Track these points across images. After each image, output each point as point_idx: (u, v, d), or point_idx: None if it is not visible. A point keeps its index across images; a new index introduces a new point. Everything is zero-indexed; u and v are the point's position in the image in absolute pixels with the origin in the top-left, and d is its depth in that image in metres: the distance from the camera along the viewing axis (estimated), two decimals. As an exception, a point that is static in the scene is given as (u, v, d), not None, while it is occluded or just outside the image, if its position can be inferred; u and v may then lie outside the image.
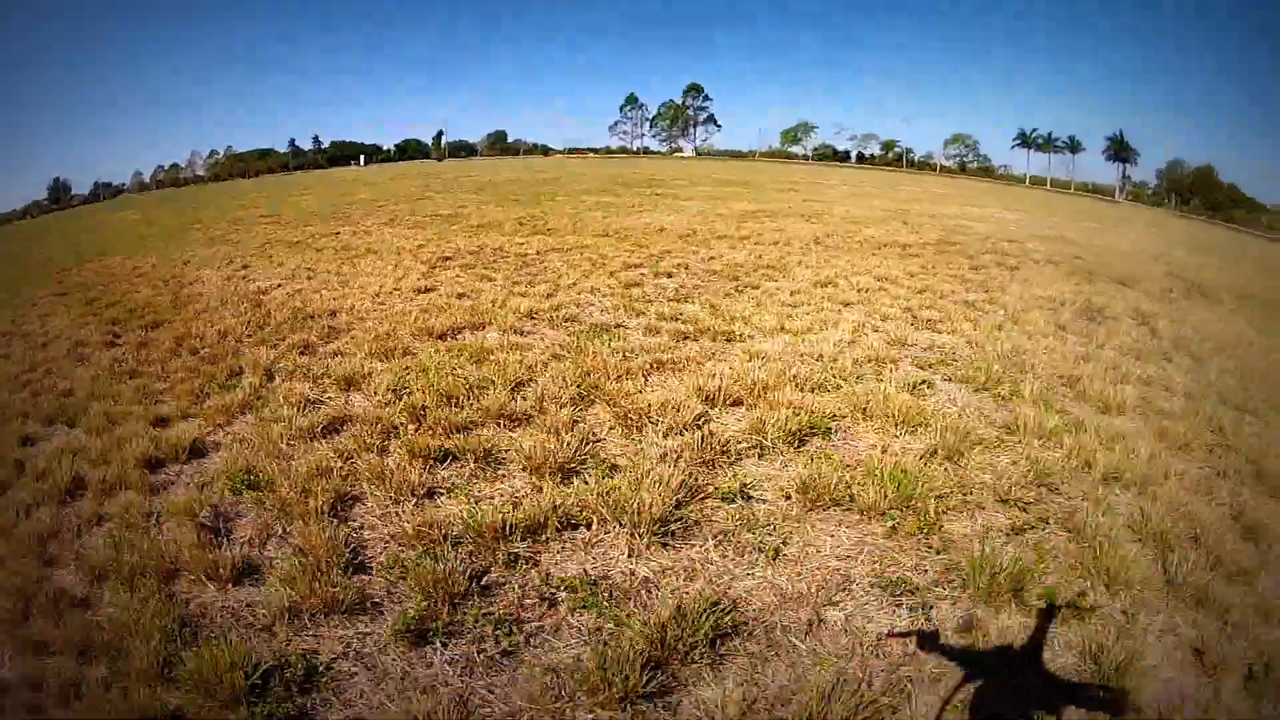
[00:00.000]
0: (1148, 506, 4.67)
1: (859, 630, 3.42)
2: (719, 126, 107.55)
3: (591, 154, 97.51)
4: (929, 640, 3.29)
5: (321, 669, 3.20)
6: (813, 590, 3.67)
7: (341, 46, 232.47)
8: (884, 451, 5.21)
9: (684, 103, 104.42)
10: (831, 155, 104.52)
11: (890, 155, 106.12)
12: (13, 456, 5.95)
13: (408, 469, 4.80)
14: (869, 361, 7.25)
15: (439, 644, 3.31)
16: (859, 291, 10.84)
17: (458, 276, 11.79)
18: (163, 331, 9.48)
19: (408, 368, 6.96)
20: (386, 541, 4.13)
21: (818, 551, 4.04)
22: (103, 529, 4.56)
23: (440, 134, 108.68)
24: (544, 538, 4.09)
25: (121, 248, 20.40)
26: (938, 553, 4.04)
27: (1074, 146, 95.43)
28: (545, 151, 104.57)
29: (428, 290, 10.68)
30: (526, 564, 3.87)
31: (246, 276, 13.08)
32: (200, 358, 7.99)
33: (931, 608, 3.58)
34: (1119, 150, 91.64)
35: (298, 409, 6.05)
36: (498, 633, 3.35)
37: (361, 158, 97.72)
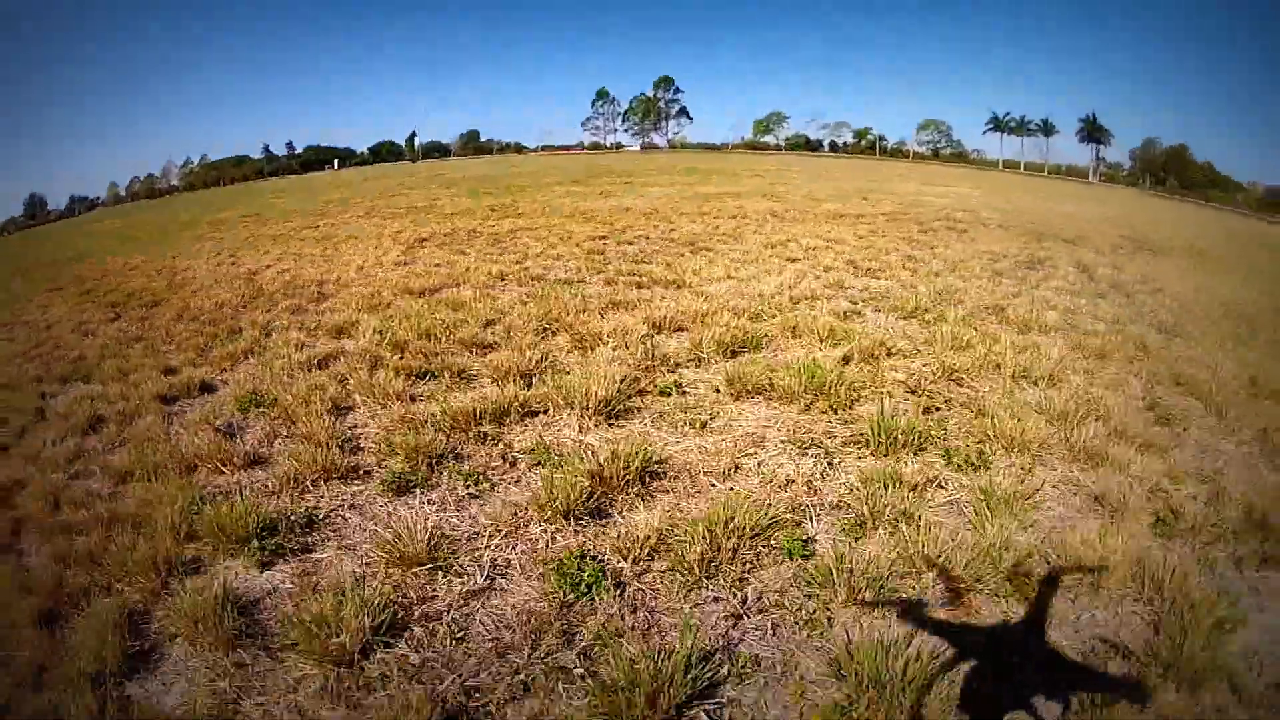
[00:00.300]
0: (1053, 394, 5.43)
1: (770, 474, 4.21)
2: (691, 119, 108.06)
3: (563, 150, 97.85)
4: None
5: (321, 517, 3.96)
6: (732, 448, 4.47)
7: (313, 50, 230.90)
8: (807, 357, 6.02)
9: (655, 95, 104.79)
10: (804, 144, 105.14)
11: (863, 143, 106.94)
12: (33, 406, 6.62)
13: (393, 383, 5.58)
14: (805, 299, 8.07)
15: (418, 493, 4.10)
16: (806, 250, 11.70)
17: (434, 253, 12.53)
18: (161, 308, 10.14)
19: (391, 316, 7.73)
20: (376, 431, 4.90)
21: (739, 424, 4.85)
22: (125, 448, 5.26)
23: (413, 135, 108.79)
24: (508, 421, 4.89)
25: (110, 250, 20.90)
26: (845, 424, 4.84)
27: (1047, 129, 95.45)
28: (519, 149, 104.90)
29: (407, 263, 11.43)
30: (493, 440, 4.66)
31: (235, 262, 13.73)
32: (200, 323, 8.68)
33: (834, 458, 4.39)
34: (1092, 131, 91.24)
35: (295, 349, 6.81)
36: (467, 483, 4.14)
37: (335, 162, 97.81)
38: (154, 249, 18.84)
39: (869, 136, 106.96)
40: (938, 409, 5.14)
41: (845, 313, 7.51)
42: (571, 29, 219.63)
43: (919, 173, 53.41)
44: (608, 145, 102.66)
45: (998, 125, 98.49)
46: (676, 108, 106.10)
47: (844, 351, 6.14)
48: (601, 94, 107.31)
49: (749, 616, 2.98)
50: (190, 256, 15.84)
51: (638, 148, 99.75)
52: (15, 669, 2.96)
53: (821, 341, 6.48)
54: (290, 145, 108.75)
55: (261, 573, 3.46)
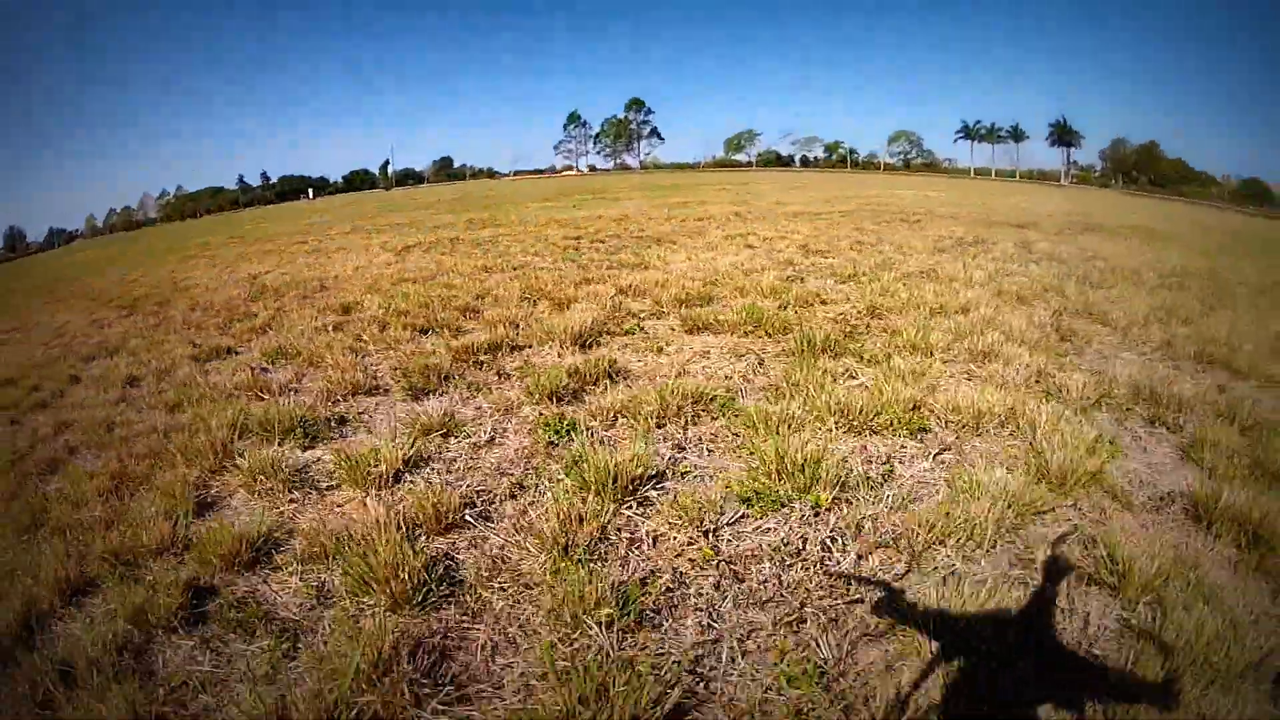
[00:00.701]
0: (962, 319, 6.54)
1: (712, 372, 5.27)
2: (662, 139, 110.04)
3: (536, 174, 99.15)
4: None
5: (351, 417, 4.93)
6: (682, 361, 5.52)
7: (287, 80, 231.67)
8: (750, 304, 7.09)
9: (626, 118, 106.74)
10: (775, 160, 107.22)
11: (835, 157, 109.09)
12: (66, 375, 7.47)
13: (401, 335, 6.59)
14: (755, 271, 9.17)
15: (431, 397, 5.10)
16: (764, 240, 12.85)
17: (422, 256, 13.52)
18: (172, 306, 11.01)
19: (391, 295, 8.73)
20: (390, 367, 5.88)
21: (689, 347, 5.90)
22: (167, 390, 6.18)
23: (386, 163, 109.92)
24: (500, 354, 5.92)
25: (102, 271, 21.63)
26: (777, 343, 5.91)
27: (1017, 135, 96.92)
28: (491, 174, 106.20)
29: (398, 263, 12.43)
30: (488, 366, 5.68)
31: (234, 271, 14.63)
32: (214, 313, 9.60)
33: (764, 361, 5.45)
34: (1062, 135, 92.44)
35: (309, 321, 7.78)
36: (470, 389, 5.15)
37: (310, 191, 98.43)
38: (148, 267, 19.64)
39: (840, 150, 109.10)
40: (859, 333, 6.23)
41: (789, 278, 8.61)
42: (542, 54, 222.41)
43: (887, 181, 55.12)
44: (580, 168, 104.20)
45: (968, 133, 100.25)
46: (648, 129, 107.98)
47: (782, 300, 7.23)
48: (573, 118, 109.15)
49: (689, 447, 4.01)
50: (187, 270, 16.69)
51: (610, 169, 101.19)
52: (86, 522, 3.83)
53: (764, 296, 7.56)
54: (265, 175, 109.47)
55: (305, 451, 4.42)
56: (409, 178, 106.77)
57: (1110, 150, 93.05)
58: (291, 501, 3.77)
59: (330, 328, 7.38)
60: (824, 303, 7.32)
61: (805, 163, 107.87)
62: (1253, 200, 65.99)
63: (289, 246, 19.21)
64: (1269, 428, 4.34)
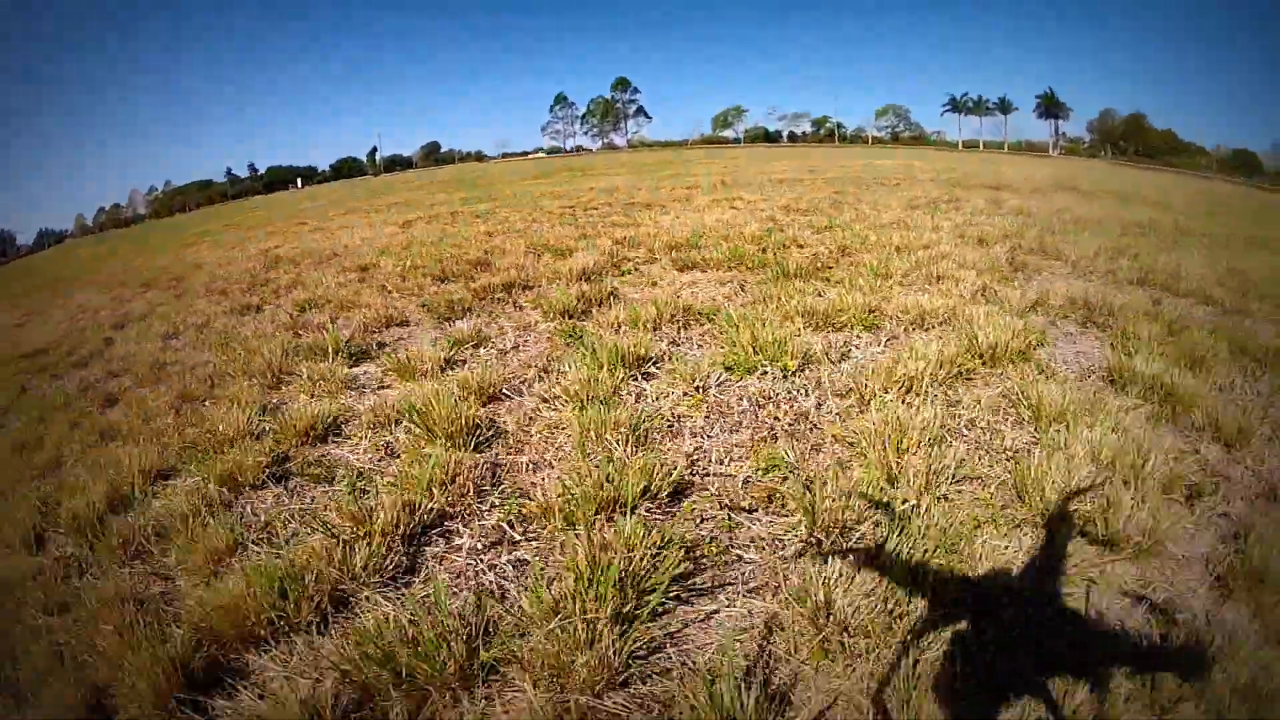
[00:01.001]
0: (922, 254, 7.29)
1: (700, 295, 6.00)
2: (649, 118, 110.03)
3: (523, 156, 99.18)
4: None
5: (389, 343, 5.67)
6: (673, 290, 6.26)
7: (270, 71, 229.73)
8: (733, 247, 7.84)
9: (613, 97, 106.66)
10: (763, 136, 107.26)
11: (823, 131, 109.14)
12: (99, 339, 8.14)
13: (421, 281, 7.32)
14: (738, 225, 9.90)
15: (457, 321, 5.84)
16: (748, 203, 13.55)
17: (426, 226, 14.17)
18: (190, 280, 11.69)
19: (404, 256, 9.42)
20: (416, 307, 6.61)
21: (680, 280, 6.64)
22: (208, 340, 6.87)
23: (374, 150, 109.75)
24: (513, 291, 6.65)
25: (105, 264, 22.18)
26: (755, 275, 6.65)
27: (1005, 107, 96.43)
28: (479, 158, 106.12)
29: (404, 234, 13.09)
30: (504, 300, 6.41)
31: (242, 249, 15.28)
32: (234, 282, 10.28)
33: (745, 287, 6.19)
34: (1049, 107, 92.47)
35: (331, 279, 8.48)
36: (490, 317, 5.89)
37: (299, 180, 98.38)
38: (150, 255, 20.22)
39: (828, 125, 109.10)
40: (829, 266, 6.97)
41: (769, 230, 9.34)
42: (527, 35, 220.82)
43: (874, 154, 55.72)
44: (568, 149, 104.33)
45: (955, 106, 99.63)
46: (634, 107, 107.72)
47: (762, 245, 7.98)
48: (560, 99, 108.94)
49: (681, 342, 4.78)
50: (193, 253, 17.30)
51: (597, 149, 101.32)
52: (158, 428, 4.54)
53: (746, 243, 8.29)
54: (253, 167, 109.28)
55: (352, 367, 5.15)
56: (397, 164, 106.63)
57: (1098, 121, 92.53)
58: (350, 396, 4.51)
59: (354, 282, 8.08)
60: (800, 247, 8.05)
61: (793, 138, 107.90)
62: (1242, 171, 65.94)
63: (290, 228, 19.78)
64: (1195, 326, 5.11)
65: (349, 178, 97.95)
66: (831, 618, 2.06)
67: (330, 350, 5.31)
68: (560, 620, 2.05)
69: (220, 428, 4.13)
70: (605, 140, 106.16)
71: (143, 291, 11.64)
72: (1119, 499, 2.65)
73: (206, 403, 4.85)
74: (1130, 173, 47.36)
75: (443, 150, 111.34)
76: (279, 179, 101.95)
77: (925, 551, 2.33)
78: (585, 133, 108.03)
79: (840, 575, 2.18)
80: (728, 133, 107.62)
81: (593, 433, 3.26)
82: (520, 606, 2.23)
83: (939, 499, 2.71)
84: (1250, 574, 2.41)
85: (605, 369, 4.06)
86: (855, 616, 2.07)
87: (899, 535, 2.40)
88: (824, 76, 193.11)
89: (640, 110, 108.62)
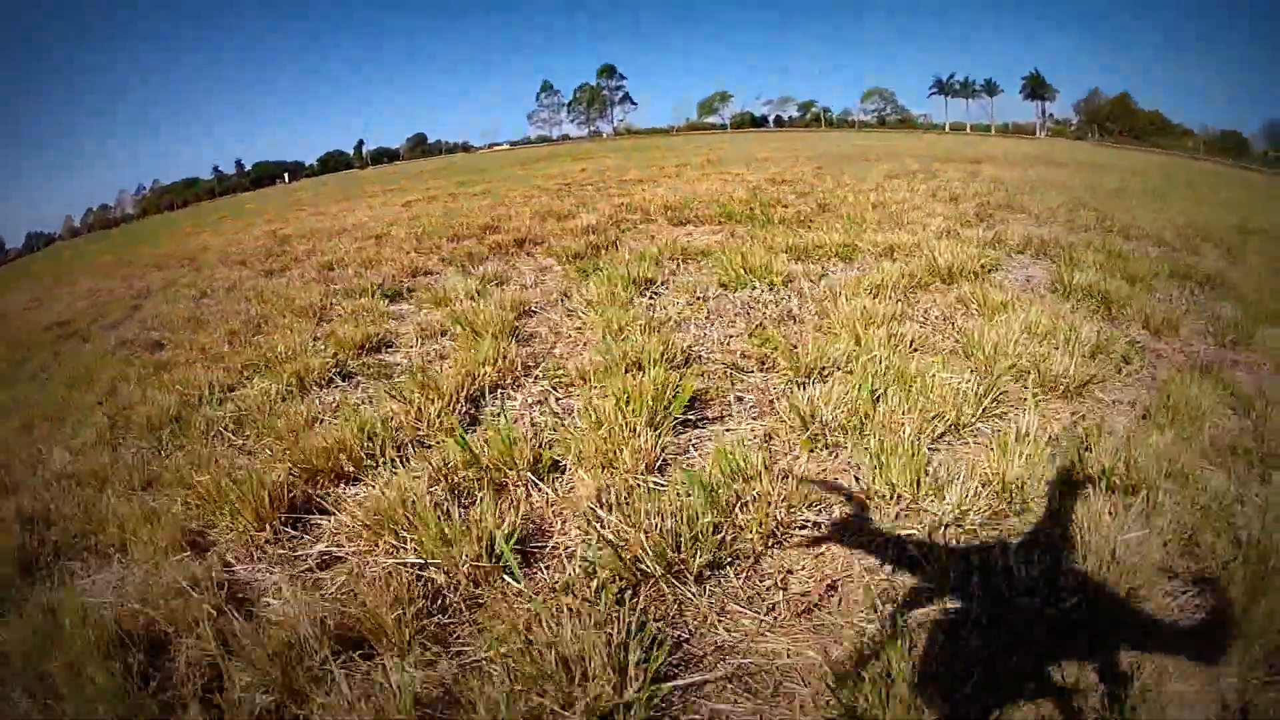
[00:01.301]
0: (895, 209, 7.95)
1: (694, 241, 6.65)
2: (635, 104, 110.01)
3: (511, 145, 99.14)
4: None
5: (418, 288, 6.26)
6: (672, 238, 6.89)
7: (253, 66, 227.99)
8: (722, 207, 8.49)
9: (599, 85, 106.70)
10: (750, 122, 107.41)
11: (809, 116, 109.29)
12: (126, 306, 8.66)
13: (437, 241, 7.93)
14: (726, 193, 10.55)
15: (477, 267, 6.46)
16: (735, 175, 14.21)
17: (428, 205, 14.73)
18: (202, 259, 12.19)
19: (414, 226, 10.02)
20: (436, 261, 7.22)
21: (675, 233, 7.28)
22: (242, 296, 7.45)
23: (361, 143, 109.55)
24: (524, 245, 7.28)
25: (103, 257, 22.55)
26: (743, 226, 7.29)
27: (991, 89, 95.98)
28: (466, 148, 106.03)
29: (407, 211, 13.66)
30: (518, 253, 7.04)
31: (247, 233, 15.78)
32: (250, 255, 10.81)
33: (735, 236, 6.84)
34: (1035, 88, 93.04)
35: (347, 246, 9.07)
36: (506, 262, 6.52)
37: (286, 175, 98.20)
38: (151, 246, 20.63)
39: (814, 109, 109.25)
40: (810, 220, 7.63)
41: (755, 194, 9.99)
42: (511, 23, 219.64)
43: (860, 137, 56.45)
44: (555, 137, 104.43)
45: (942, 88, 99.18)
46: (620, 94, 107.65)
47: (750, 205, 8.63)
48: (545, 87, 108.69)
49: (680, 272, 5.42)
50: (196, 240, 17.75)
51: (585, 136, 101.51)
52: (215, 355, 5.12)
53: (735, 204, 8.94)
54: (239, 163, 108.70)
55: (389, 305, 5.77)
56: (384, 156, 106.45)
57: (1085, 102, 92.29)
58: (393, 323, 5.13)
59: (371, 247, 8.68)
60: (784, 206, 8.73)
61: (779, 123, 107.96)
62: (1229, 153, 65.95)
63: (289, 215, 20.18)
64: (1142, 257, 5.79)
65: (336, 171, 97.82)
66: (817, 421, 2.71)
67: (368, 290, 5.92)
68: (605, 430, 2.69)
69: (279, 349, 4.72)
70: (592, 128, 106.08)
71: (155, 270, 12.12)
72: (1051, 355, 3.31)
73: (257, 336, 5.44)
74: (1113, 153, 47.85)
75: (429, 142, 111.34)
76: (266, 174, 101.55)
77: (887, 381, 2.99)
78: (572, 120, 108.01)
79: (820, 394, 2.84)
80: (714, 119, 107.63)
81: (614, 324, 3.90)
82: (574, 424, 2.87)
83: (898, 354, 3.37)
84: (1172, 409, 2.98)
85: (620, 285, 4.70)
86: (835, 419, 2.72)
87: (866, 374, 3.06)
88: (808, 60, 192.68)
89: (626, 97, 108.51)
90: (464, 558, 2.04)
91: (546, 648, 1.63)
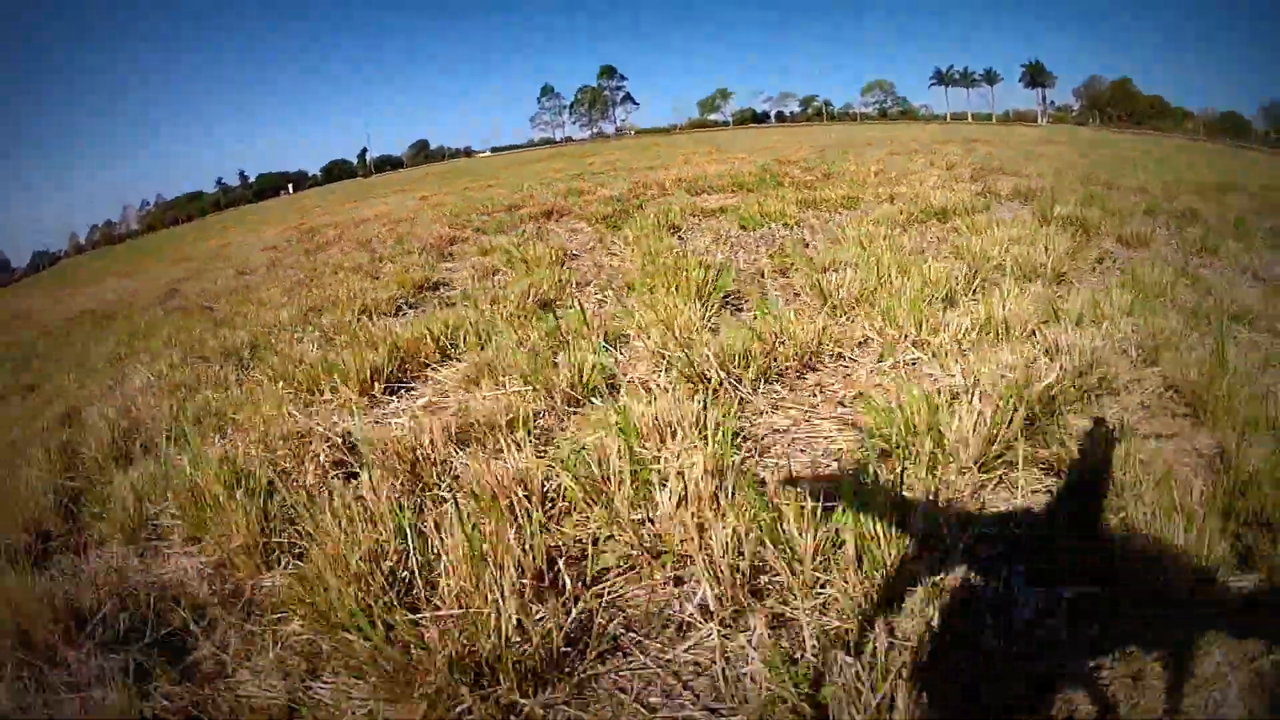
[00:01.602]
0: (895, 173, 8.51)
1: (712, 202, 7.19)
2: (637, 104, 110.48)
3: (513, 149, 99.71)
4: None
5: (454, 252, 6.82)
6: (689, 203, 7.44)
7: (255, 77, 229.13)
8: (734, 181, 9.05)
9: (599, 86, 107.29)
10: (751, 118, 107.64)
11: (810, 111, 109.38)
12: (163, 289, 9.24)
13: (467, 218, 8.50)
14: (737, 170, 11.12)
15: (510, 232, 7.02)
16: (741, 158, 14.81)
17: (442, 199, 15.31)
18: (227, 252, 12.82)
19: (439, 213, 10.59)
20: (472, 230, 7.77)
21: (694, 200, 7.83)
22: (285, 266, 8.01)
23: (364, 150, 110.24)
24: (552, 215, 7.83)
25: (117, 267, 23.16)
26: (757, 194, 7.83)
27: (991, 78, 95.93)
28: (469, 153, 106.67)
29: (423, 204, 14.24)
30: (546, 221, 7.59)
31: (264, 233, 16.40)
32: (280, 243, 11.40)
33: (745, 198, 7.38)
34: (1035, 76, 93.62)
35: (376, 230, 9.65)
36: (538, 227, 7.07)
37: (290, 186, 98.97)
38: (168, 252, 21.27)
39: (814, 104, 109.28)
40: (817, 185, 8.19)
41: (763, 170, 10.57)
42: (510, 28, 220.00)
43: (862, 128, 57.08)
44: (558, 139, 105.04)
45: (942, 79, 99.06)
46: (621, 94, 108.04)
47: (759, 177, 9.20)
48: (546, 90, 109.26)
49: (699, 225, 5.96)
50: (217, 241, 18.41)
51: (587, 138, 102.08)
52: (277, 303, 5.72)
53: (745, 178, 9.51)
54: (243, 175, 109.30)
55: (440, 262, 6.31)
56: (387, 163, 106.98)
57: (1085, 88, 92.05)
58: (444, 271, 5.67)
59: (401, 225, 9.26)
60: (792, 177, 9.29)
61: (781, 118, 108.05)
62: (1229, 134, 65.94)
63: (302, 218, 20.84)
64: (1116, 198, 6.35)
65: (340, 180, 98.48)
66: (830, 299, 3.26)
67: (414, 251, 6.48)
68: (660, 308, 3.23)
69: (340, 293, 5.25)
70: (594, 129, 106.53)
71: (183, 262, 12.74)
72: (1032, 254, 3.86)
73: (315, 288, 5.97)
74: (1114, 135, 48.36)
75: (432, 148, 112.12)
76: (270, 185, 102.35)
77: (890, 270, 3.54)
78: (574, 122, 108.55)
79: (835, 280, 3.39)
80: (715, 116, 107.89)
81: (651, 253, 4.46)
82: (633, 309, 3.41)
83: (899, 257, 3.93)
84: (1136, 285, 3.54)
85: (650, 231, 5.27)
86: (850, 294, 3.27)
87: (872, 265, 3.61)
88: (808, 59, 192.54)
89: (628, 97, 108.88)
90: (561, 381, 2.58)
91: (641, 418, 2.16)
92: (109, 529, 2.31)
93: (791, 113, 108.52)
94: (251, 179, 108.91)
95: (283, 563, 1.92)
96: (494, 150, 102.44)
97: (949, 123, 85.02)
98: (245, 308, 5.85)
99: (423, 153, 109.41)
